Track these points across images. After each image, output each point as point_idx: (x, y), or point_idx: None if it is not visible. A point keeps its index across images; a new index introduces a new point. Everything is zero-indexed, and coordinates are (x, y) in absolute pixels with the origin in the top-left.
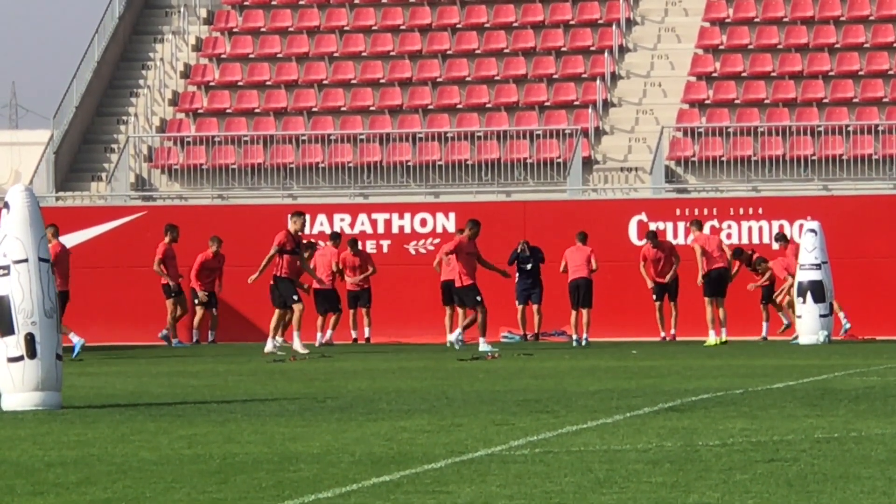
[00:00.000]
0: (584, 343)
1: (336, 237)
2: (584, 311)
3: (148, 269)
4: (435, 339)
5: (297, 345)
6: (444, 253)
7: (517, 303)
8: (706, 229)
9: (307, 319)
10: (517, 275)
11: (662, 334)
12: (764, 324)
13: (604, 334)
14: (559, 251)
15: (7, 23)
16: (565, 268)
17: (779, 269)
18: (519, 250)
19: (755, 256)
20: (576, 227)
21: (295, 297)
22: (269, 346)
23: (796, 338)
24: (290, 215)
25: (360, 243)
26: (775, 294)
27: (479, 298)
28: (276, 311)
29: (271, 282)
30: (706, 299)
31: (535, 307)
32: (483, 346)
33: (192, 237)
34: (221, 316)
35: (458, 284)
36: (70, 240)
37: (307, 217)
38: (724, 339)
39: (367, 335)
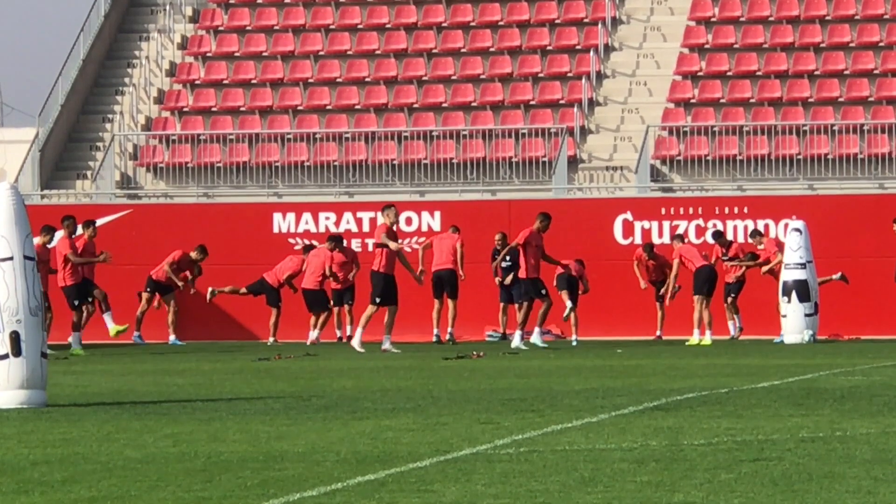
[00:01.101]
0: (574, 343)
1: (336, 240)
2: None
3: (134, 267)
4: (420, 337)
5: (357, 342)
6: (516, 243)
7: (501, 301)
8: (691, 229)
9: (300, 320)
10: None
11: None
12: (736, 315)
13: (589, 333)
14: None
15: None
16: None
17: (770, 251)
18: (497, 244)
19: (734, 245)
20: (562, 226)
21: (378, 300)
22: (386, 345)
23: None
24: (382, 210)
25: (344, 241)
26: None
27: (544, 291)
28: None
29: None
30: (695, 297)
31: (517, 306)
32: (535, 338)
33: (177, 235)
34: (206, 314)
35: (522, 276)
36: (55, 238)
37: (396, 208)
38: (709, 340)
39: (349, 333)
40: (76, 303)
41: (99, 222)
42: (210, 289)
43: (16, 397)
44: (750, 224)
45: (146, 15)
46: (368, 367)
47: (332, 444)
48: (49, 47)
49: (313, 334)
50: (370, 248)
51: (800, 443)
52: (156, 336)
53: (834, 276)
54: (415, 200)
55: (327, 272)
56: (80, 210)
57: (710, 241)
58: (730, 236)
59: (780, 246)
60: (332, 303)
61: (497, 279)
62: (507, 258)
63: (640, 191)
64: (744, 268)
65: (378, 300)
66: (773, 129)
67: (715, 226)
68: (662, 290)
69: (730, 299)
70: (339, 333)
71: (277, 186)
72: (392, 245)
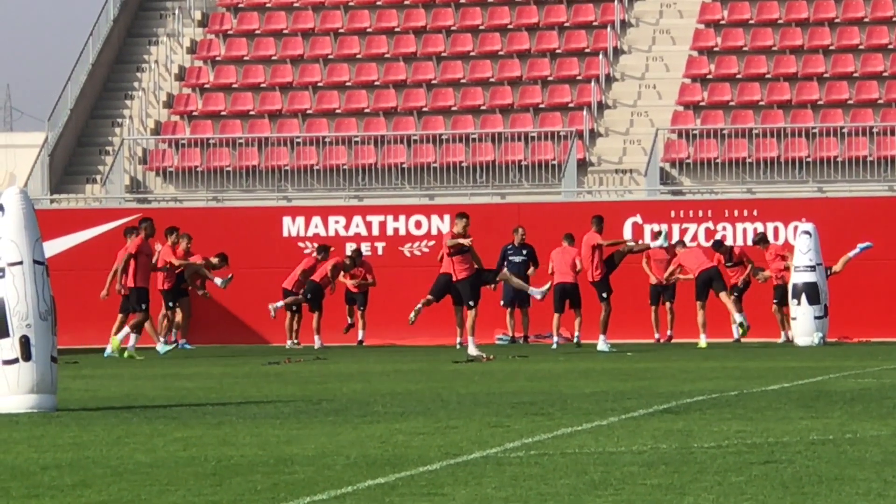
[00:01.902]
0: (576, 343)
1: (356, 254)
2: (576, 313)
3: None
4: (430, 341)
5: (472, 348)
6: (595, 248)
7: (502, 304)
8: (700, 231)
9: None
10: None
11: (657, 336)
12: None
13: (598, 336)
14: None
15: (1, 25)
16: (552, 269)
17: (774, 257)
18: (517, 243)
19: (737, 250)
20: (571, 229)
21: (471, 303)
22: (472, 350)
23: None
24: (456, 216)
25: (361, 255)
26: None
27: (605, 295)
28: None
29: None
30: (698, 303)
31: (521, 311)
32: (602, 346)
33: None
34: (215, 319)
35: (591, 279)
36: (65, 242)
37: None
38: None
39: (360, 337)
40: (143, 306)
41: (107, 227)
42: (272, 306)
43: (26, 402)
44: (760, 227)
45: (155, 19)
46: (378, 371)
47: (342, 448)
48: (58, 52)
49: (318, 340)
50: (379, 252)
51: (810, 445)
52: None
53: (837, 268)
54: (424, 204)
55: (330, 276)
56: (90, 214)
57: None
58: (739, 240)
59: (783, 253)
60: (320, 302)
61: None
62: (524, 252)
63: (650, 194)
64: (747, 272)
65: (472, 303)
66: (783, 132)
67: (724, 228)
68: (666, 277)
69: (733, 296)
70: (350, 320)
71: (287, 190)
72: (465, 242)
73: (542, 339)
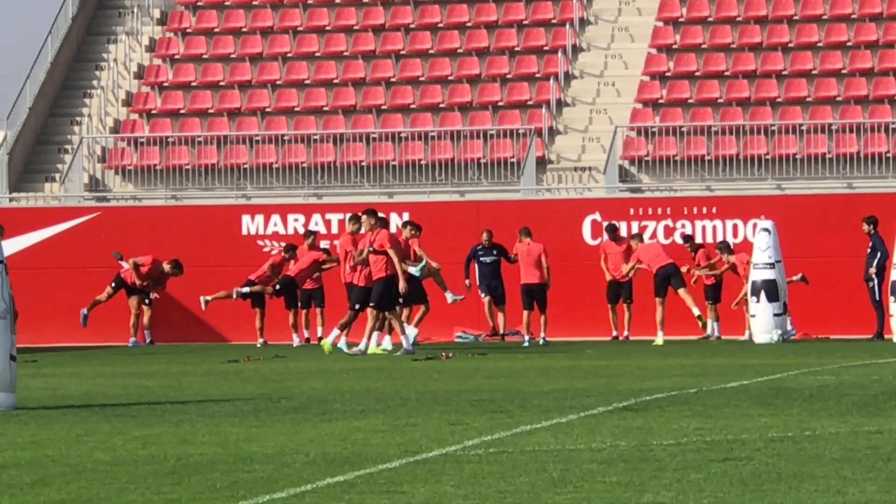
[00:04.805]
0: (542, 342)
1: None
2: (541, 315)
3: (102, 270)
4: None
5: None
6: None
7: (481, 294)
8: (659, 229)
9: (279, 322)
10: (477, 268)
11: (615, 333)
12: (714, 323)
13: (558, 334)
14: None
15: None
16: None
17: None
18: (484, 241)
19: (699, 253)
20: (530, 226)
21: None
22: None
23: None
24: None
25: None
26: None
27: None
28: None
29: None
30: (657, 300)
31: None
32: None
33: (145, 238)
34: (169, 316)
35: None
36: (24, 241)
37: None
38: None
39: (319, 334)
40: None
41: (66, 226)
42: (203, 298)
43: None
44: (719, 224)
45: (114, 17)
46: (337, 369)
47: (302, 446)
48: (16, 50)
49: (297, 338)
50: (338, 250)
51: (769, 442)
52: (121, 338)
53: (794, 278)
54: (383, 202)
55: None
56: (49, 213)
57: (678, 241)
58: (698, 237)
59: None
60: (300, 304)
61: (466, 281)
62: (494, 252)
63: (609, 191)
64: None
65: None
66: (742, 129)
67: (684, 226)
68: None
69: (709, 304)
70: (306, 334)
71: (246, 188)
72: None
73: (505, 337)
